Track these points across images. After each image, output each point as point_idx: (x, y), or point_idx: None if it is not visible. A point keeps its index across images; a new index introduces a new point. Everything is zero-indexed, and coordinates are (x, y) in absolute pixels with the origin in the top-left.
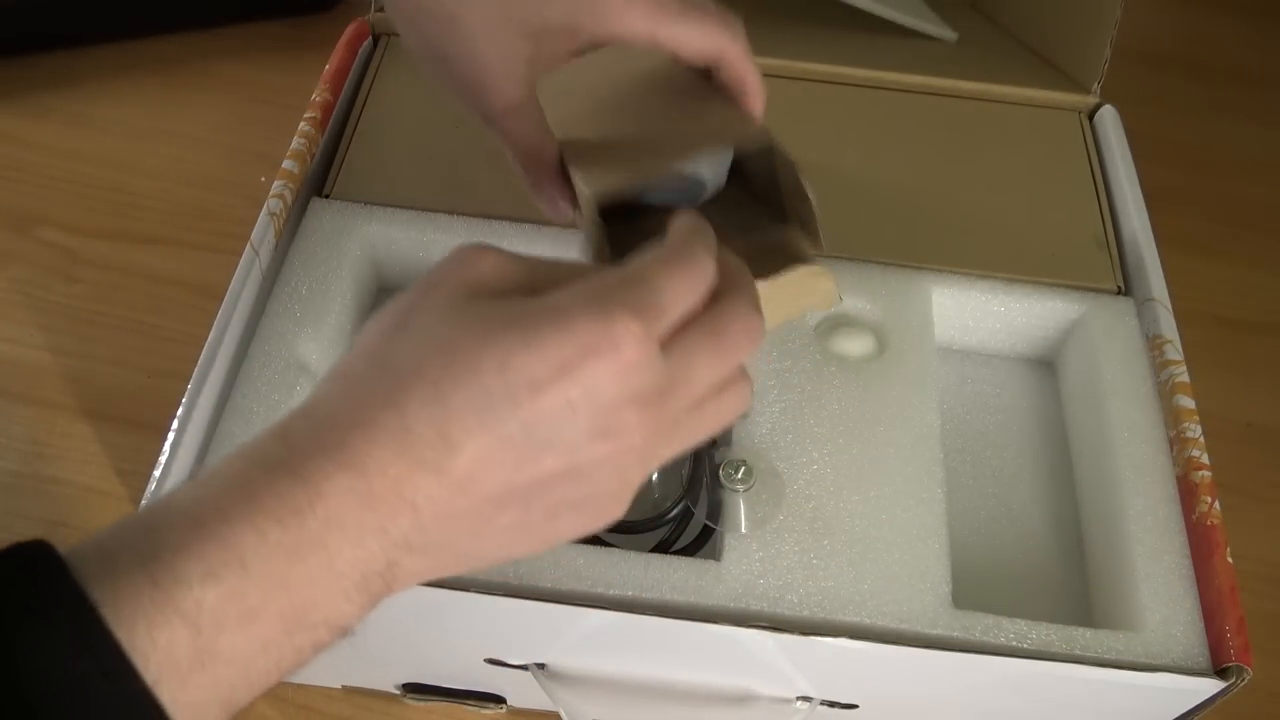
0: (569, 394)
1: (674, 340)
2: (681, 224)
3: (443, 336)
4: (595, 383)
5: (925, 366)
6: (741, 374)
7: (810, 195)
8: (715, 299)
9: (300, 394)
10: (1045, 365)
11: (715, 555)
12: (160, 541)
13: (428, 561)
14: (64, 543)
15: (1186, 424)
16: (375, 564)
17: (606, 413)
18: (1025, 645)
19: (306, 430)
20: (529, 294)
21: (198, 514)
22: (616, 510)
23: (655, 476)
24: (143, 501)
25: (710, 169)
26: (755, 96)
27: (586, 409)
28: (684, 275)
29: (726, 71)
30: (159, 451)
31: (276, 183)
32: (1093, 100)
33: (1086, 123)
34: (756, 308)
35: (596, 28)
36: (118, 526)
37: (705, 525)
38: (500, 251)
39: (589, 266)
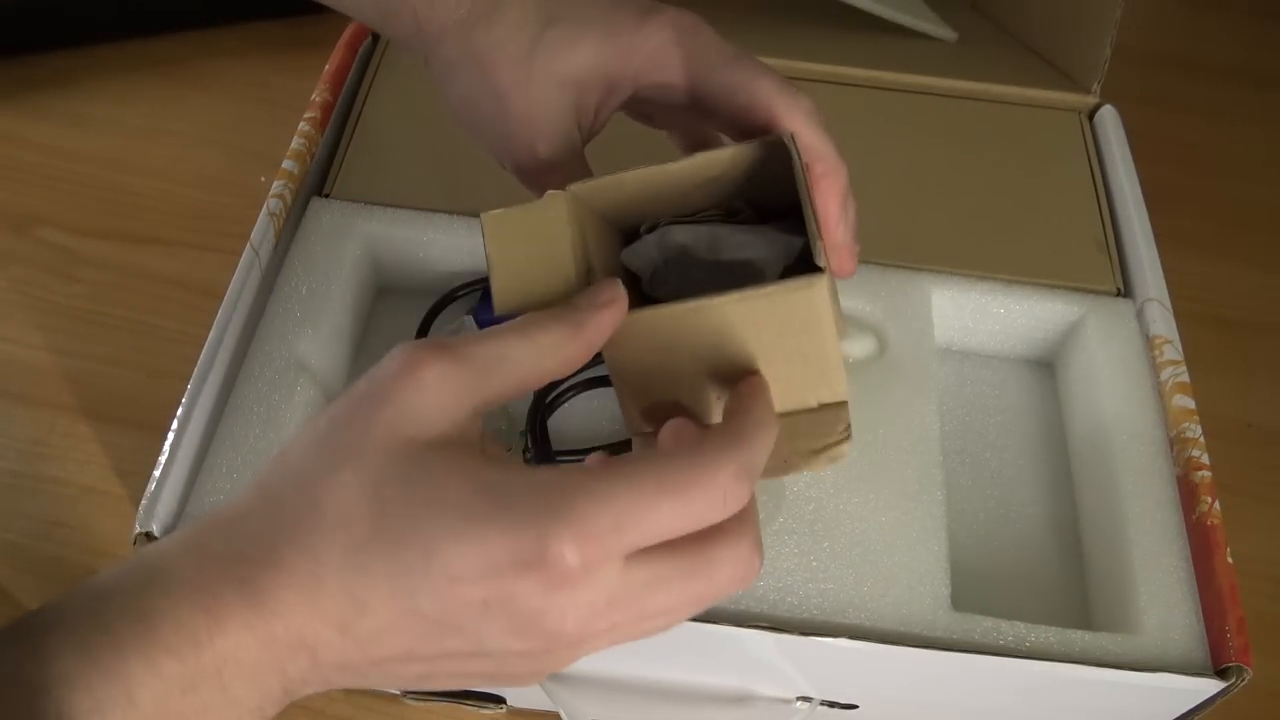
0: (486, 596)
1: (646, 558)
2: (723, 441)
3: (376, 495)
4: (517, 592)
5: (925, 368)
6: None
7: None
8: (715, 528)
9: (300, 394)
10: (1045, 366)
11: None
12: (48, 672)
13: (331, 686)
14: (64, 543)
15: (1186, 424)
16: (272, 693)
17: (526, 620)
18: (1024, 647)
19: (220, 553)
20: (475, 437)
21: (88, 641)
22: (533, 683)
23: None
24: (142, 502)
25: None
26: (829, 178)
27: (503, 613)
28: (681, 511)
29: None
30: (159, 451)
31: (276, 183)
32: (1093, 100)
33: (1086, 123)
34: (757, 549)
35: (631, 75)
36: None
37: None
38: (445, 366)
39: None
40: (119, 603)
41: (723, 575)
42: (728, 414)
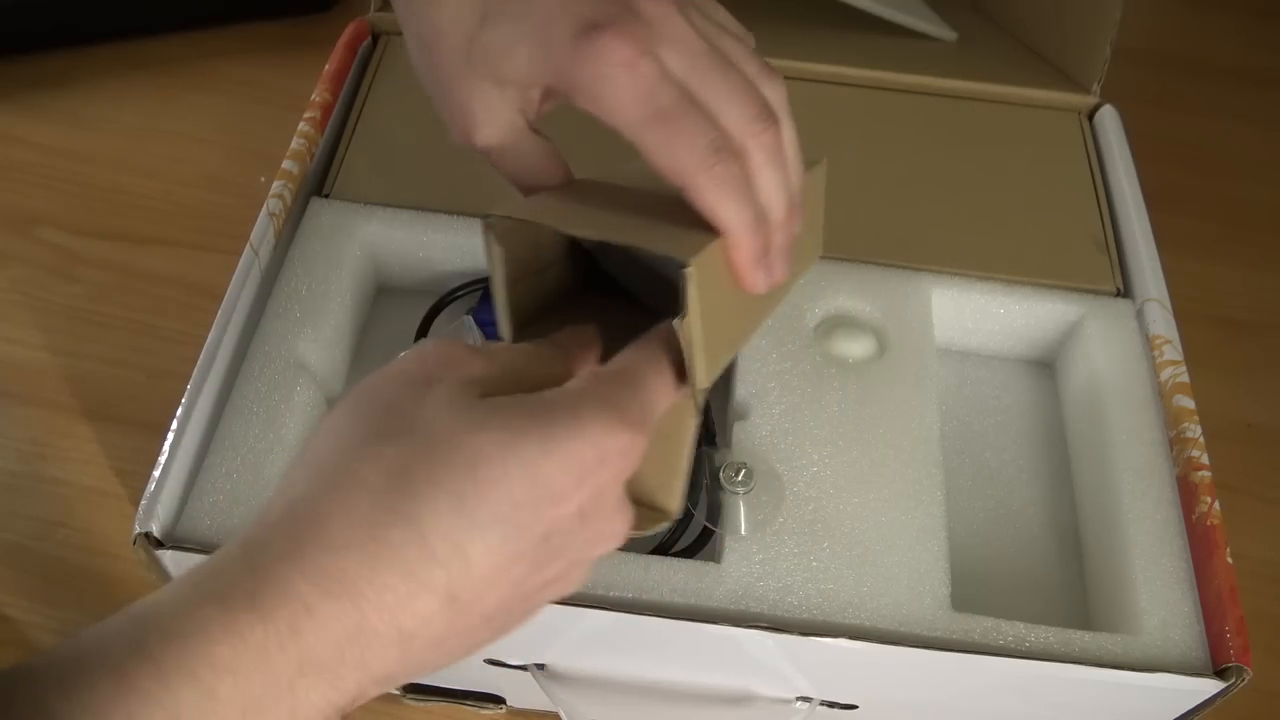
0: (583, 502)
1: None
2: (658, 332)
3: (460, 443)
4: (605, 488)
5: (925, 368)
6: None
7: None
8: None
9: (300, 394)
10: (1045, 367)
11: (715, 557)
12: (78, 703)
13: (388, 686)
14: (64, 543)
15: (1186, 424)
16: (341, 701)
17: (607, 512)
18: (1024, 647)
19: (285, 551)
20: (520, 390)
21: (125, 667)
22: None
23: None
24: (142, 502)
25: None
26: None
27: (594, 513)
28: (661, 383)
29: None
30: (159, 451)
31: (276, 183)
32: (1093, 100)
33: (1086, 123)
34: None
35: (564, 92)
36: (37, 678)
37: (705, 527)
38: (476, 349)
39: (553, 358)
40: (158, 623)
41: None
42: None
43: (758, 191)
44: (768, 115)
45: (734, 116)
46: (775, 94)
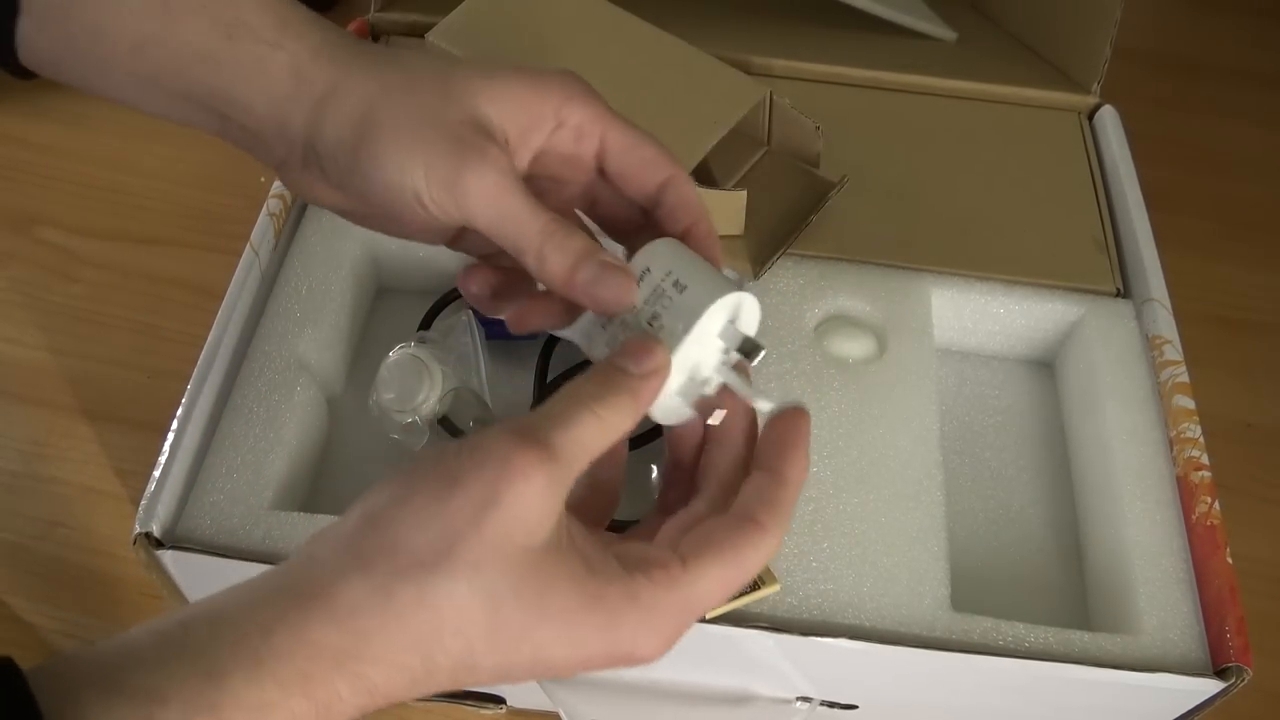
0: (576, 671)
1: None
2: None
3: (491, 604)
4: (606, 667)
5: (925, 368)
6: None
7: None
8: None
9: (300, 394)
10: (1044, 367)
11: None
12: None
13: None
14: (64, 543)
15: (1186, 424)
16: None
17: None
18: (1024, 647)
19: (334, 645)
20: (565, 531)
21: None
22: None
23: (655, 475)
24: (142, 502)
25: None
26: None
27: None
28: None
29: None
30: (159, 451)
31: (276, 183)
32: (1093, 100)
33: (1086, 123)
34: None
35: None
36: (104, 707)
37: None
38: (546, 469)
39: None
40: (233, 691)
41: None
42: (770, 468)
43: None
44: None
45: None
46: None
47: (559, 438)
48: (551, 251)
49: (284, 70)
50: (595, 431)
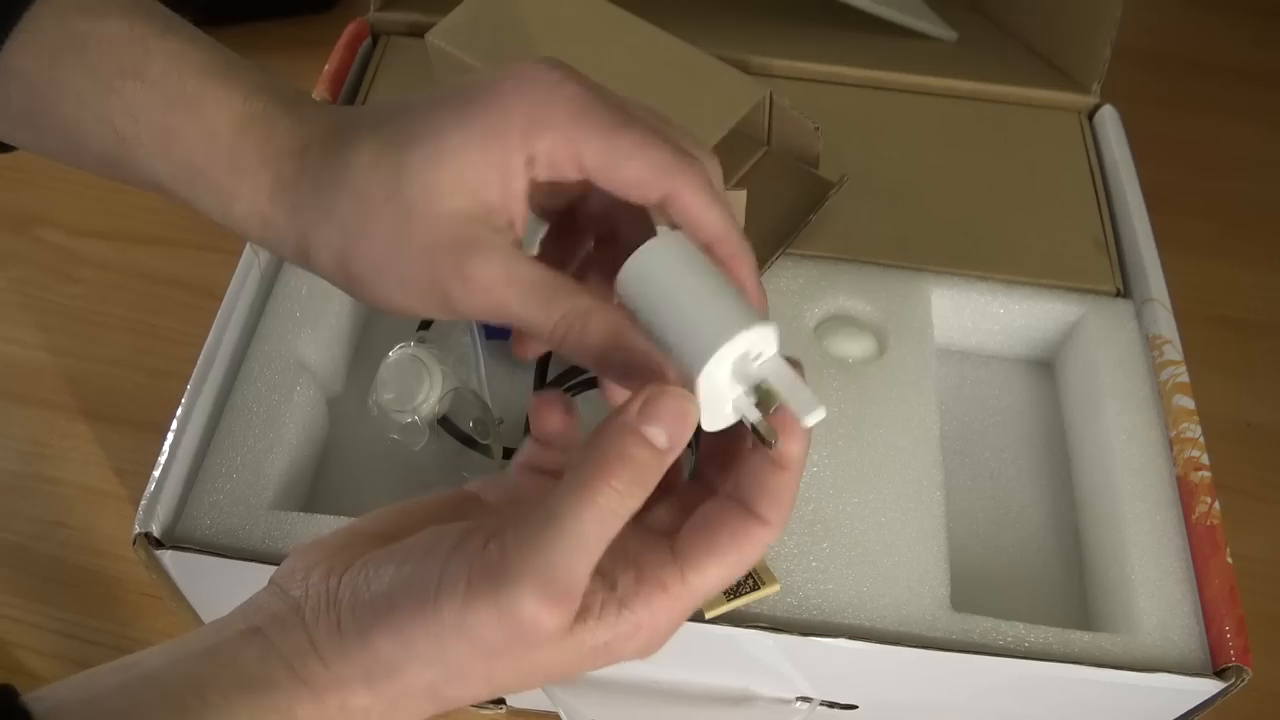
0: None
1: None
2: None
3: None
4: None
5: (925, 368)
6: None
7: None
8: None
9: (300, 394)
10: (1044, 367)
11: None
12: None
13: None
14: (64, 543)
15: (1186, 424)
16: None
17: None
18: (1024, 647)
19: (354, 659)
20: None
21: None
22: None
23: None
24: (142, 502)
25: None
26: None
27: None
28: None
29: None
30: (159, 451)
31: None
32: (1093, 100)
33: (1086, 123)
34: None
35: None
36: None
37: None
38: (560, 619)
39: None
40: (268, 703)
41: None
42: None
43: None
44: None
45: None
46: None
47: (567, 572)
48: (573, 349)
49: (250, 219)
50: (594, 526)
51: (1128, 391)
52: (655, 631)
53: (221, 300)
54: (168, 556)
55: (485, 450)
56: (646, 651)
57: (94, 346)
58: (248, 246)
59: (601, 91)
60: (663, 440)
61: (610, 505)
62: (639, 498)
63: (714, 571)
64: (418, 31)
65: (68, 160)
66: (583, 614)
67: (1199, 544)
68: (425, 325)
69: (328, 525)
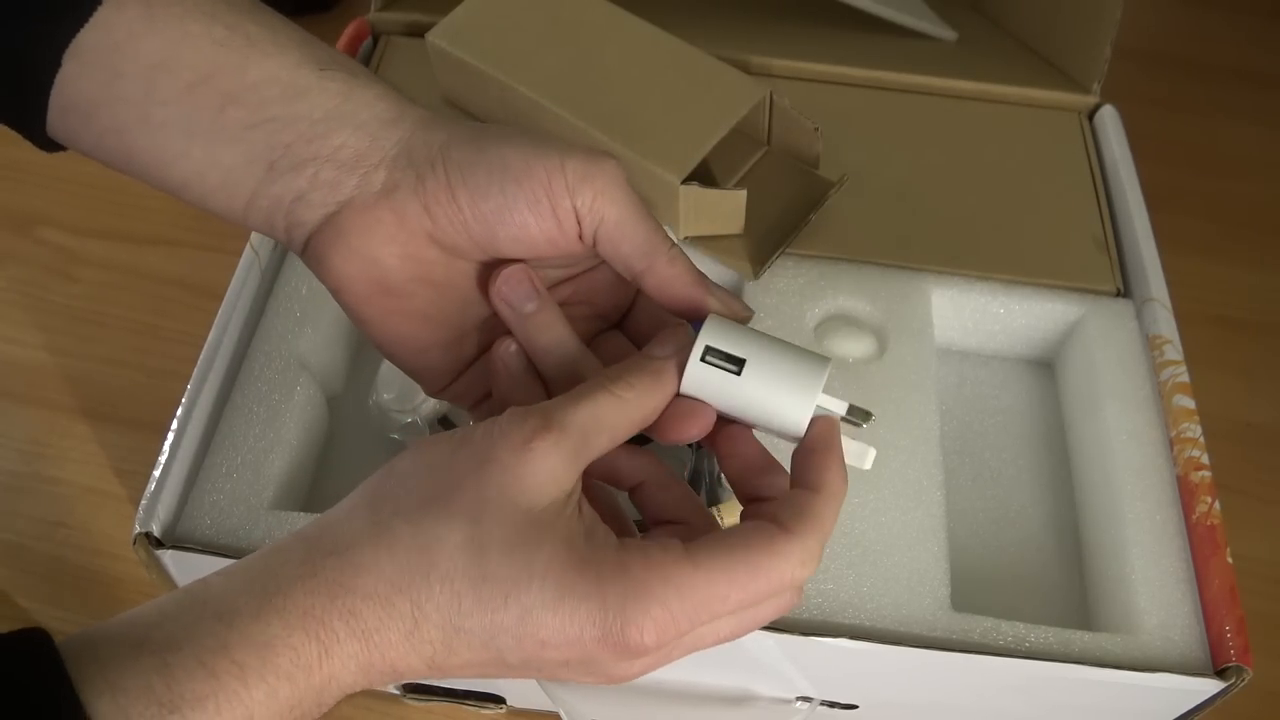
0: (568, 657)
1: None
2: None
3: (481, 559)
4: (597, 657)
5: (925, 368)
6: None
7: None
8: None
9: (300, 394)
10: (1044, 367)
11: None
12: (178, 692)
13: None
14: (64, 543)
15: (1186, 424)
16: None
17: (599, 672)
18: (1024, 647)
19: (333, 581)
20: (575, 505)
21: (216, 667)
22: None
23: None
24: (142, 502)
25: None
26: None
27: (580, 667)
28: (749, 598)
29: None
30: (159, 451)
31: None
32: (1093, 100)
33: (1086, 123)
34: (799, 591)
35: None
36: (126, 663)
37: None
38: (552, 440)
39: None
40: (241, 628)
41: (768, 610)
42: (803, 482)
43: None
44: None
45: None
46: None
47: (569, 413)
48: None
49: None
50: (612, 409)
51: (1128, 391)
52: (645, 590)
53: (222, 300)
54: (168, 556)
55: None
56: (637, 622)
57: (94, 346)
58: (248, 246)
59: None
60: (657, 350)
61: (614, 387)
62: (643, 388)
63: (720, 569)
64: (418, 31)
65: (120, 158)
66: (587, 535)
67: (1199, 544)
68: None
69: None
